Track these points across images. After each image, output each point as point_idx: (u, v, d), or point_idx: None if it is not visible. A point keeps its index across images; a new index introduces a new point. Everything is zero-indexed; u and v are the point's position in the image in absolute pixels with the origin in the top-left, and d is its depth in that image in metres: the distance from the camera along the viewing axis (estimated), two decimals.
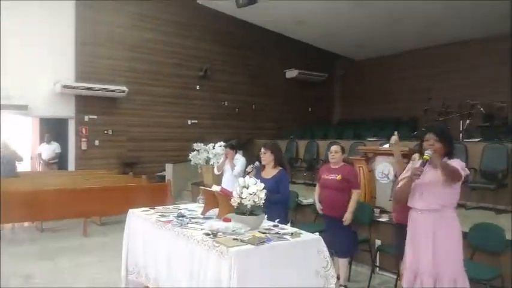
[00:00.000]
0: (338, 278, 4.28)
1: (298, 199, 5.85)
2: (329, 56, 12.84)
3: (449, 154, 2.76)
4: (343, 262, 4.17)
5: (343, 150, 4.24)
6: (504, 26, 8.93)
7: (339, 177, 4.05)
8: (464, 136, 7.15)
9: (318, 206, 4.25)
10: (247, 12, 8.60)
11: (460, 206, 5.61)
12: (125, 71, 9.51)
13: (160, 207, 3.78)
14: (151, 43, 9.89)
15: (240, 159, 5.41)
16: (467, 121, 7.55)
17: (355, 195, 4.00)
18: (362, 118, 12.24)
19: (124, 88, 9.30)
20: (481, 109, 7.85)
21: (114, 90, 9.19)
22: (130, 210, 3.76)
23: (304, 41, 11.29)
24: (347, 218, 3.96)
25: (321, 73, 12.64)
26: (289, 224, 3.21)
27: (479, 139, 6.52)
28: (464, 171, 2.69)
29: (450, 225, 2.73)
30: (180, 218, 3.20)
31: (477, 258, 3.64)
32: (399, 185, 2.90)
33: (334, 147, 4.20)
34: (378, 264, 4.51)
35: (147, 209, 3.71)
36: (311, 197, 5.76)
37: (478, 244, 3.63)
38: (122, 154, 9.51)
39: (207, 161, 7.24)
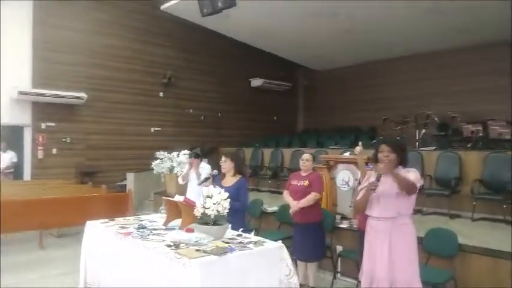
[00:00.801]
0: (300, 285, 4.36)
1: (263, 207, 5.87)
2: (293, 66, 13.09)
3: (404, 163, 2.90)
4: (311, 265, 4.30)
5: (313, 158, 4.43)
6: (454, 41, 9.52)
7: (306, 183, 4.22)
8: (420, 145, 7.48)
9: (292, 204, 4.22)
10: (212, 21, 8.61)
11: (416, 211, 5.88)
12: (84, 77, 9.21)
13: (121, 219, 3.68)
14: (111, 49, 9.65)
15: (205, 167, 5.38)
16: (423, 130, 7.92)
17: (311, 195, 4.13)
18: (324, 127, 12.56)
19: (83, 95, 9.00)
20: (436, 119, 8.26)
21: (72, 97, 8.87)
22: (88, 222, 3.63)
23: (269, 51, 11.45)
24: (292, 208, 4.14)
25: (285, 83, 12.87)
26: (253, 233, 3.22)
27: (434, 148, 6.85)
28: (419, 183, 2.83)
29: (406, 232, 2.85)
30: (141, 230, 3.13)
31: (432, 263, 3.80)
32: (359, 196, 3.02)
33: (306, 156, 4.39)
34: (339, 270, 4.61)
35: (106, 220, 3.60)
36: (276, 204, 5.83)
37: (432, 249, 3.80)
38: (81, 163, 9.17)
39: (171, 169, 7.13)
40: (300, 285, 4.34)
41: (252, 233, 3.20)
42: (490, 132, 7.39)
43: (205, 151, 10.30)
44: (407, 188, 2.76)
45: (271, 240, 3.05)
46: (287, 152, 8.75)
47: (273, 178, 8.54)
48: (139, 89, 10.09)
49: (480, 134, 7.34)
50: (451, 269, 3.65)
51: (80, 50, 9.18)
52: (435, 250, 3.78)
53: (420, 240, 3.85)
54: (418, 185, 2.82)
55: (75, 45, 9.12)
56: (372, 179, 2.91)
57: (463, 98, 9.74)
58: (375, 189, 2.81)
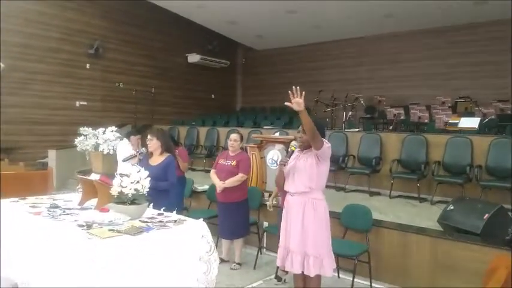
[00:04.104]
0: (223, 260, 4.45)
1: (194, 186, 5.83)
2: (231, 43, 12.91)
3: None
4: (238, 242, 4.42)
5: (241, 138, 4.45)
6: (385, 27, 9.98)
7: (234, 163, 4.26)
8: (346, 126, 7.83)
9: (218, 183, 4.25)
10: None
11: (340, 189, 6.22)
12: None
13: (33, 198, 3.42)
14: (30, 14, 8.72)
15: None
16: (350, 113, 8.30)
17: (238, 176, 4.21)
18: (262, 106, 12.70)
19: None
20: (362, 102, 8.68)
21: None
22: None
23: (207, 26, 11.16)
24: (218, 188, 4.20)
25: (223, 60, 12.67)
26: (174, 211, 3.16)
27: (358, 129, 7.21)
28: (326, 144, 2.92)
29: (317, 206, 2.99)
30: (52, 209, 2.93)
31: (348, 237, 4.04)
32: (277, 173, 3.13)
33: (233, 136, 4.38)
34: (264, 245, 4.75)
35: (16, 199, 3.33)
36: (207, 183, 5.81)
37: (348, 224, 4.03)
38: None
39: (96, 147, 6.71)
40: (223, 260, 4.47)
41: (174, 212, 3.14)
42: (411, 115, 7.94)
43: (137, 129, 9.90)
44: (311, 131, 2.77)
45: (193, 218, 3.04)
46: (223, 131, 8.70)
47: (208, 157, 8.48)
48: (64, 60, 9.26)
49: (402, 117, 7.86)
50: (365, 242, 3.89)
51: None
52: (351, 225, 4.01)
53: (338, 216, 4.09)
54: (325, 144, 2.90)
55: None
56: (293, 156, 3.04)
57: (391, 83, 10.34)
58: (285, 165, 2.96)
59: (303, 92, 2.72)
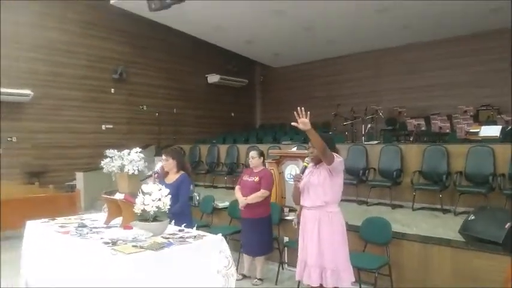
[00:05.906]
0: (245, 276, 4.49)
1: (215, 203, 5.95)
2: (249, 62, 13.18)
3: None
4: (259, 258, 4.45)
5: (261, 155, 4.54)
6: (402, 39, 9.98)
7: (256, 179, 4.36)
8: (365, 139, 7.82)
9: (240, 199, 4.36)
10: (165, 15, 8.48)
11: (362, 202, 6.19)
12: (28, 73, 8.80)
13: (62, 218, 3.62)
14: (57, 43, 9.26)
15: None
16: (369, 125, 8.29)
17: (260, 192, 4.28)
18: (281, 123, 12.80)
19: (28, 92, 8.63)
20: (381, 114, 8.66)
21: (17, 94, 8.48)
22: (28, 223, 3.55)
23: (225, 47, 11.47)
24: (241, 204, 4.31)
25: (241, 79, 12.95)
26: (194, 227, 3.26)
27: (377, 141, 7.18)
28: (338, 158, 2.99)
29: (333, 220, 3.03)
30: (80, 228, 3.10)
31: (369, 250, 4.02)
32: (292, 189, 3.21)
33: (251, 153, 4.52)
34: (286, 260, 4.77)
35: (46, 220, 3.53)
36: (228, 200, 5.91)
37: (368, 237, 4.02)
38: (28, 163, 8.79)
39: (122, 168, 6.97)
40: (245, 276, 4.51)
41: (194, 228, 3.25)
42: (432, 126, 7.84)
43: (161, 149, 10.20)
44: (321, 148, 2.86)
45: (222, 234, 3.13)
46: (243, 148, 8.85)
47: (229, 174, 8.62)
48: (89, 85, 9.76)
49: (422, 128, 7.78)
50: (386, 255, 3.87)
51: (22, 45, 8.75)
52: (371, 238, 4.00)
53: (357, 229, 4.09)
54: (337, 159, 2.97)
55: (18, 40, 8.68)
56: (306, 172, 3.10)
57: (411, 93, 10.28)
58: (299, 181, 3.02)
59: (308, 112, 2.83)
